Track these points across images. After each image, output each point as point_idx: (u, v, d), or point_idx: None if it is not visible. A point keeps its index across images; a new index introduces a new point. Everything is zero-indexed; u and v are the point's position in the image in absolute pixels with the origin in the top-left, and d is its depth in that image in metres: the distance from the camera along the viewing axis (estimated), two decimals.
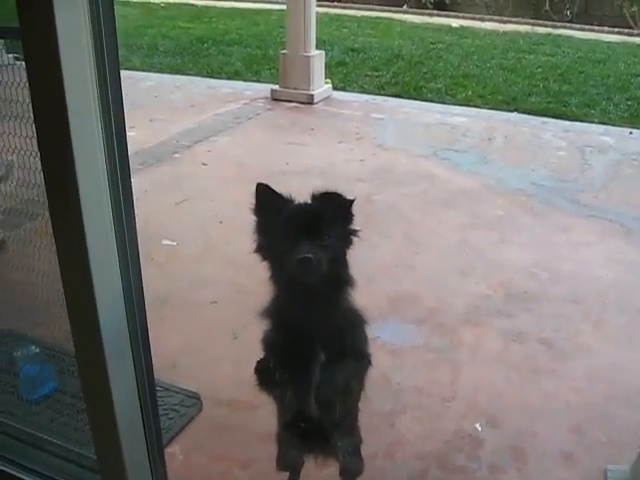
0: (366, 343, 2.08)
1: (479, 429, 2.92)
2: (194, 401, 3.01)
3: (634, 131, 7.18)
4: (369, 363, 2.07)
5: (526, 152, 6.55)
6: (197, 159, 6.15)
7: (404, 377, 3.21)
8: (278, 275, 1.93)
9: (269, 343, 2.01)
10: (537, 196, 5.43)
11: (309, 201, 1.93)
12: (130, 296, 1.65)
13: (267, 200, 1.93)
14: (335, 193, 1.91)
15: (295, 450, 2.34)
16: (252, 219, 1.95)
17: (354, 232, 1.96)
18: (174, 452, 2.74)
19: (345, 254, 1.96)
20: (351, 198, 1.92)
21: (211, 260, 4.28)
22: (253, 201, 1.93)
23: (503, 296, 3.97)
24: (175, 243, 4.50)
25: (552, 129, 7.20)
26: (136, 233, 1.61)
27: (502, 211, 5.16)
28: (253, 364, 1.92)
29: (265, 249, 1.95)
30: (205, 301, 3.79)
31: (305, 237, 1.83)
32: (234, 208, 4.71)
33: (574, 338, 3.61)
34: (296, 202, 1.95)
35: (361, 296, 2.00)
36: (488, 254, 4.48)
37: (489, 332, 3.63)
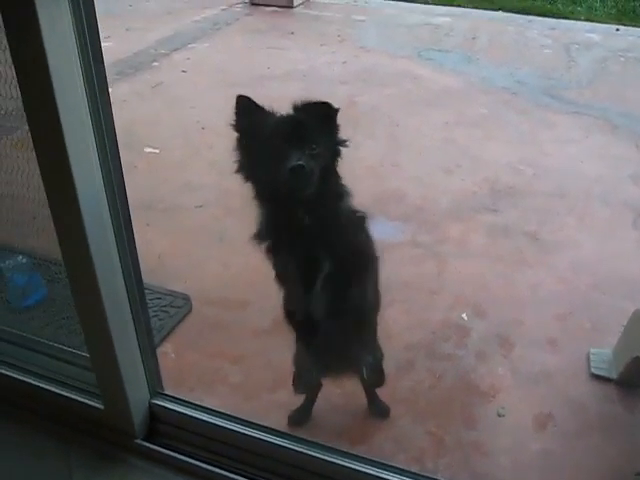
0: (371, 245, 1.99)
1: (465, 319, 2.97)
2: (184, 302, 3.03)
3: (621, 27, 7.07)
4: (376, 266, 2.04)
5: (511, 51, 6.46)
6: (176, 67, 6.00)
7: (391, 272, 3.16)
8: (266, 193, 1.81)
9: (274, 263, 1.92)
10: (522, 94, 5.38)
11: (291, 112, 1.79)
12: (114, 202, 1.63)
13: (248, 113, 1.78)
14: (318, 102, 1.78)
15: (312, 371, 2.32)
16: (233, 134, 1.81)
17: (342, 142, 1.82)
18: (166, 351, 2.78)
19: (335, 166, 1.83)
20: (336, 107, 1.78)
21: (195, 165, 4.24)
22: (233, 115, 1.79)
23: (488, 192, 3.97)
24: (158, 150, 4.44)
25: (537, 27, 7.08)
26: (116, 140, 1.58)
27: (487, 109, 5.11)
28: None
29: (248, 167, 1.81)
30: (190, 205, 3.77)
31: (293, 148, 1.70)
32: (216, 114, 4.58)
33: (559, 231, 3.64)
34: (279, 114, 1.80)
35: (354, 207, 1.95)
36: (473, 151, 4.46)
37: (475, 227, 3.65)
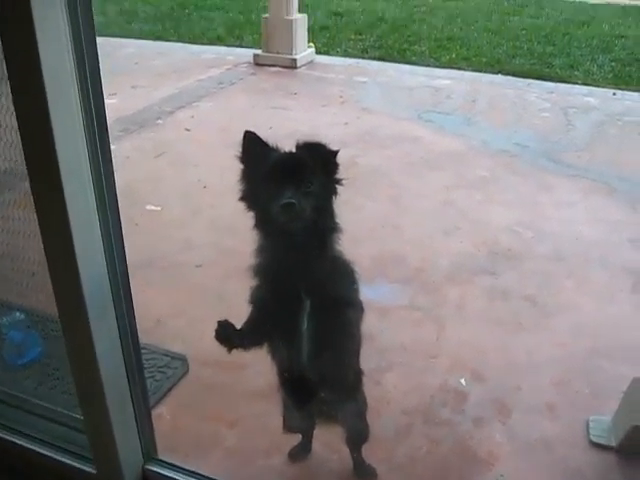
0: (356, 291, 2.00)
1: (464, 384, 2.95)
2: (180, 362, 3.02)
3: (617, 92, 7.19)
4: (361, 311, 2.01)
5: (510, 113, 6.55)
6: (180, 125, 6.10)
7: (389, 335, 3.22)
8: (263, 223, 1.89)
9: (255, 298, 1.97)
10: (521, 157, 5.45)
11: (294, 150, 1.89)
12: (112, 261, 1.65)
13: (254, 148, 1.87)
14: (319, 143, 1.86)
15: (298, 412, 2.30)
16: (238, 168, 1.88)
17: (339, 181, 1.90)
18: (162, 413, 2.75)
19: (331, 203, 1.91)
20: (335, 149, 1.86)
21: (195, 224, 4.27)
22: (239, 148, 1.87)
23: (487, 255, 3.99)
24: (159, 208, 4.48)
25: (536, 90, 7.20)
26: (117, 200, 1.61)
27: (486, 172, 5.16)
28: (238, 326, 1.92)
29: (250, 197, 1.90)
30: (190, 264, 3.79)
31: (289, 184, 1.79)
32: (218, 173, 4.69)
33: (557, 295, 3.64)
34: (282, 151, 1.89)
35: (346, 257, 1.98)
36: (472, 214, 4.49)
37: (473, 290, 3.65)
